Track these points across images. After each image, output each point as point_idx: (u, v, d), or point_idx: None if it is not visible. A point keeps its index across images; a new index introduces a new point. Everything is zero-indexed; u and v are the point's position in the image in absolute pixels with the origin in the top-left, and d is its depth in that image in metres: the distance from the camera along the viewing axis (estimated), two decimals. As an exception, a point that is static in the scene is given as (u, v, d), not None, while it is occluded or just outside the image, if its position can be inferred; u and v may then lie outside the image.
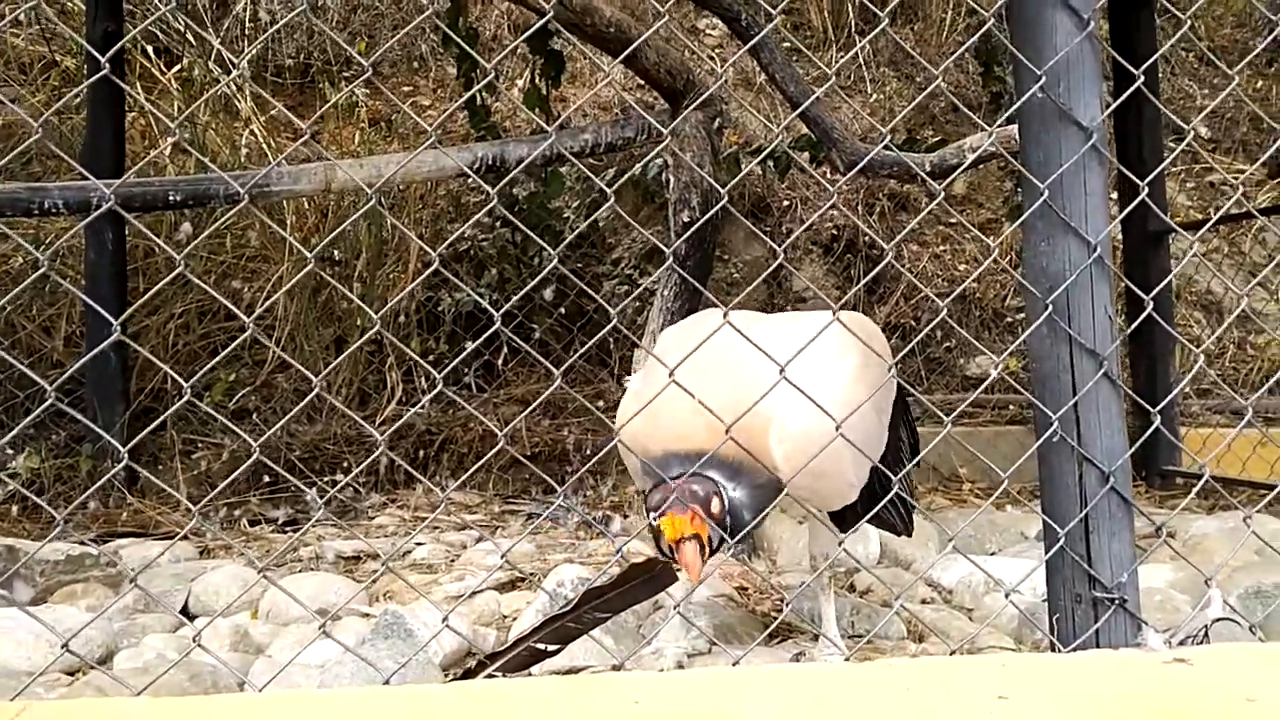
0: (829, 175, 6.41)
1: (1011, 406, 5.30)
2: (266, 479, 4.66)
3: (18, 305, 5.20)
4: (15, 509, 4.01)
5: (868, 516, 2.06)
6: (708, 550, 1.69)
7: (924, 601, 2.71)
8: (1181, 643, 1.71)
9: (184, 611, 3.05)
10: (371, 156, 5.04)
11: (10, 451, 4.18)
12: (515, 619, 2.55)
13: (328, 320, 5.33)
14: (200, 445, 5.00)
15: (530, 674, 1.98)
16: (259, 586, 2.99)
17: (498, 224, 5.58)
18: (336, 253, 5.18)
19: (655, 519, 1.68)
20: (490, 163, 4.09)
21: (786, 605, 2.15)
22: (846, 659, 2.09)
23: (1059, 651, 1.63)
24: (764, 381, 1.68)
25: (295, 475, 4.65)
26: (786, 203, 6.41)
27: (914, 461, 2.11)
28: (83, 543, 3.65)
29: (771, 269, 6.45)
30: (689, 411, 1.67)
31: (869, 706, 1.33)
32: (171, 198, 3.93)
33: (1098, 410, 1.63)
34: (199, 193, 3.97)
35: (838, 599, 2.63)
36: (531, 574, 2.95)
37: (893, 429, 2.05)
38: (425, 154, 4.06)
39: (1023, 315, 6.54)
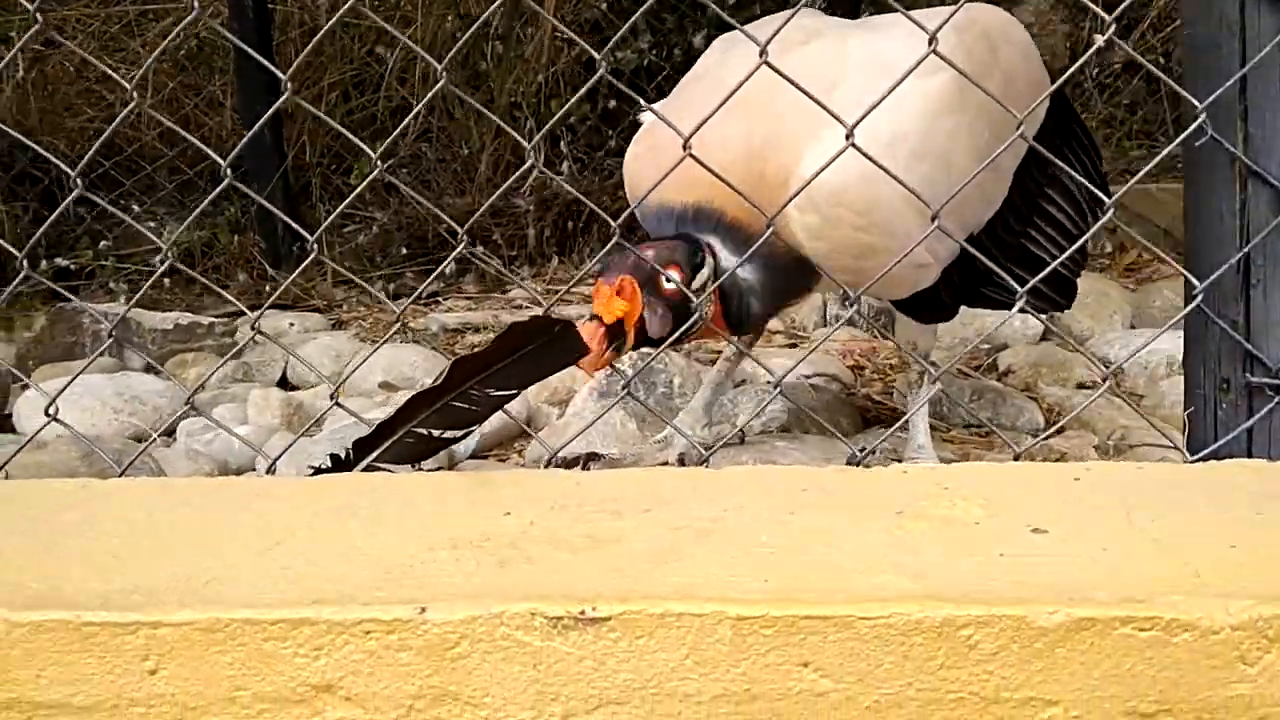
0: None
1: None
2: (420, 253, 4.54)
3: (182, 83, 5.20)
4: (168, 281, 4.11)
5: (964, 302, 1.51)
6: (630, 337, 1.26)
7: (1081, 386, 2.16)
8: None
9: (282, 381, 2.98)
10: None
11: (155, 225, 4.26)
12: (578, 398, 2.25)
13: (475, 82, 5.03)
14: (353, 219, 4.94)
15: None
16: (342, 361, 2.86)
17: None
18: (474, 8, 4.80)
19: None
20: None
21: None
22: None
23: (1186, 460, 1.11)
24: (808, 116, 1.18)
25: (444, 248, 4.50)
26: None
27: (1086, 233, 1.43)
28: (235, 315, 3.67)
29: None
30: (704, 151, 1.21)
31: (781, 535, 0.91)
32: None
33: (1276, 94, 1.02)
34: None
35: (960, 381, 2.14)
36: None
37: (1027, 173, 1.44)
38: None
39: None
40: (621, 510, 0.99)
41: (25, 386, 2.56)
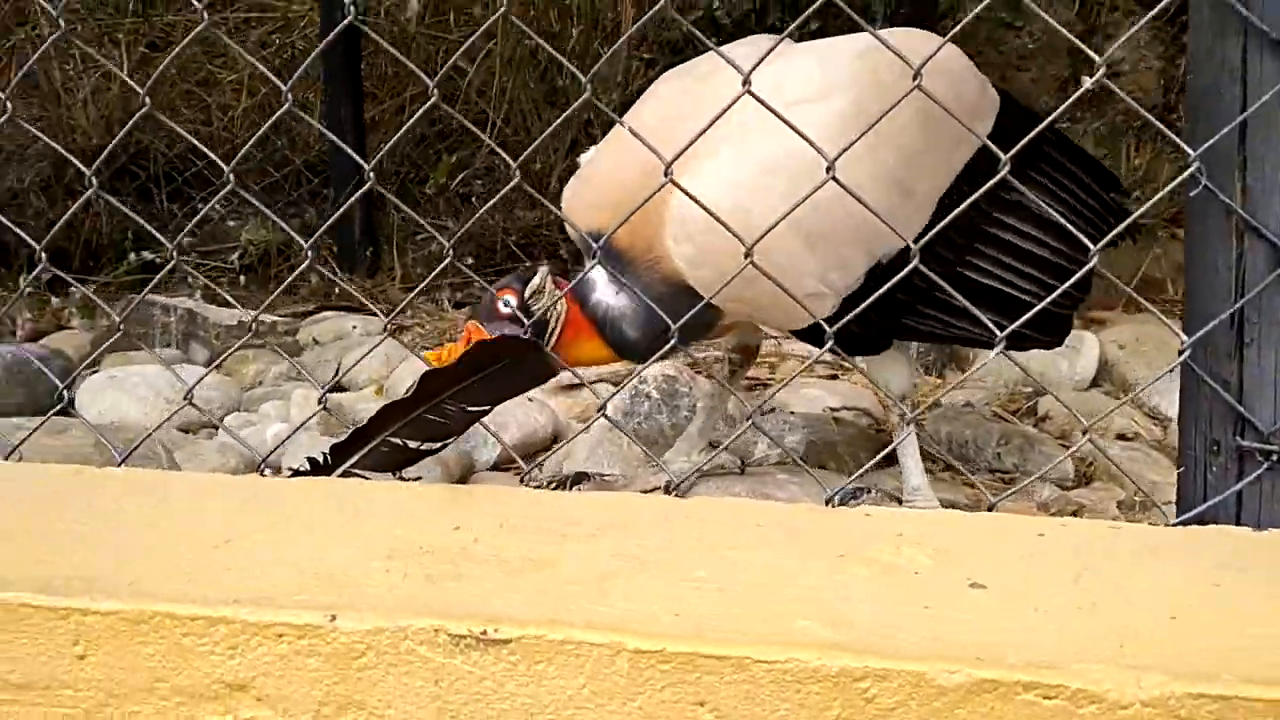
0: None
1: None
2: (489, 263, 4.63)
3: (274, 87, 5.39)
4: (244, 278, 4.28)
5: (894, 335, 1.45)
6: None
7: (1121, 437, 2.08)
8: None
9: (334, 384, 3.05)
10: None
11: (235, 224, 4.42)
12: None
13: (552, 98, 5.11)
14: (425, 227, 5.04)
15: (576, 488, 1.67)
16: (391, 365, 2.92)
17: (735, -12, 5.01)
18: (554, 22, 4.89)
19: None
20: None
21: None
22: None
23: (1167, 523, 1.06)
24: (702, 142, 1.17)
25: (512, 259, 4.58)
26: (1097, -54, 5.19)
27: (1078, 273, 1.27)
28: (299, 315, 3.80)
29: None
30: (607, 178, 1.23)
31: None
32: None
33: (1277, 144, 0.97)
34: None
35: (989, 425, 2.07)
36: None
37: (963, 199, 1.33)
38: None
39: None
40: (569, 534, 0.99)
41: (94, 372, 2.69)
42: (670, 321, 1.16)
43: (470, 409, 1.18)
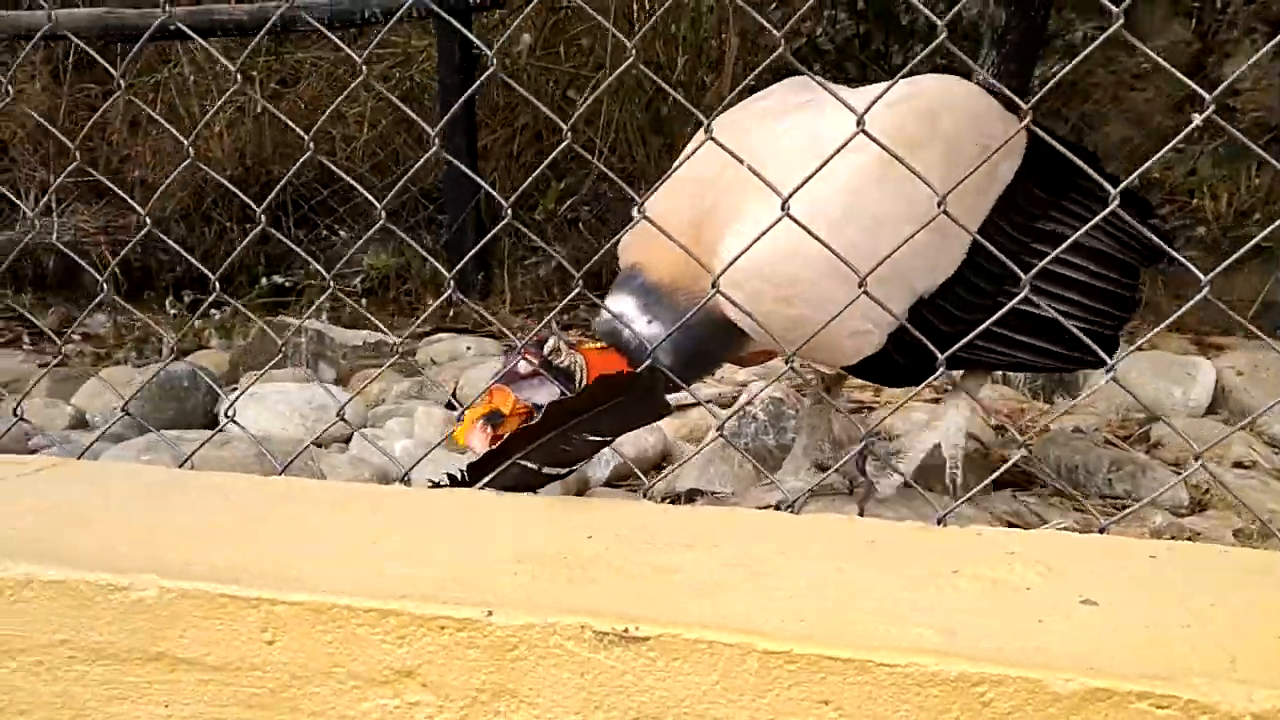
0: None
1: None
2: (595, 288, 4.76)
3: (393, 119, 5.66)
4: (365, 300, 4.49)
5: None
6: (512, 420, 1.36)
7: (1239, 465, 2.05)
8: None
9: (451, 401, 3.19)
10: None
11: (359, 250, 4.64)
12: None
13: (656, 125, 5.23)
14: (536, 252, 5.22)
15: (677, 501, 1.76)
16: (507, 383, 3.04)
17: (839, 14, 5.07)
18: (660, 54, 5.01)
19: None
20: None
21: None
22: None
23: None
24: (737, 194, 1.29)
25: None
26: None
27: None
28: (418, 336, 3.98)
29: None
30: (660, 222, 1.34)
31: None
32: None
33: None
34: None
35: (1100, 451, 2.07)
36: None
37: (999, 231, 1.44)
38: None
39: None
40: (694, 544, 1.06)
41: (234, 389, 2.88)
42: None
43: (592, 438, 1.27)
